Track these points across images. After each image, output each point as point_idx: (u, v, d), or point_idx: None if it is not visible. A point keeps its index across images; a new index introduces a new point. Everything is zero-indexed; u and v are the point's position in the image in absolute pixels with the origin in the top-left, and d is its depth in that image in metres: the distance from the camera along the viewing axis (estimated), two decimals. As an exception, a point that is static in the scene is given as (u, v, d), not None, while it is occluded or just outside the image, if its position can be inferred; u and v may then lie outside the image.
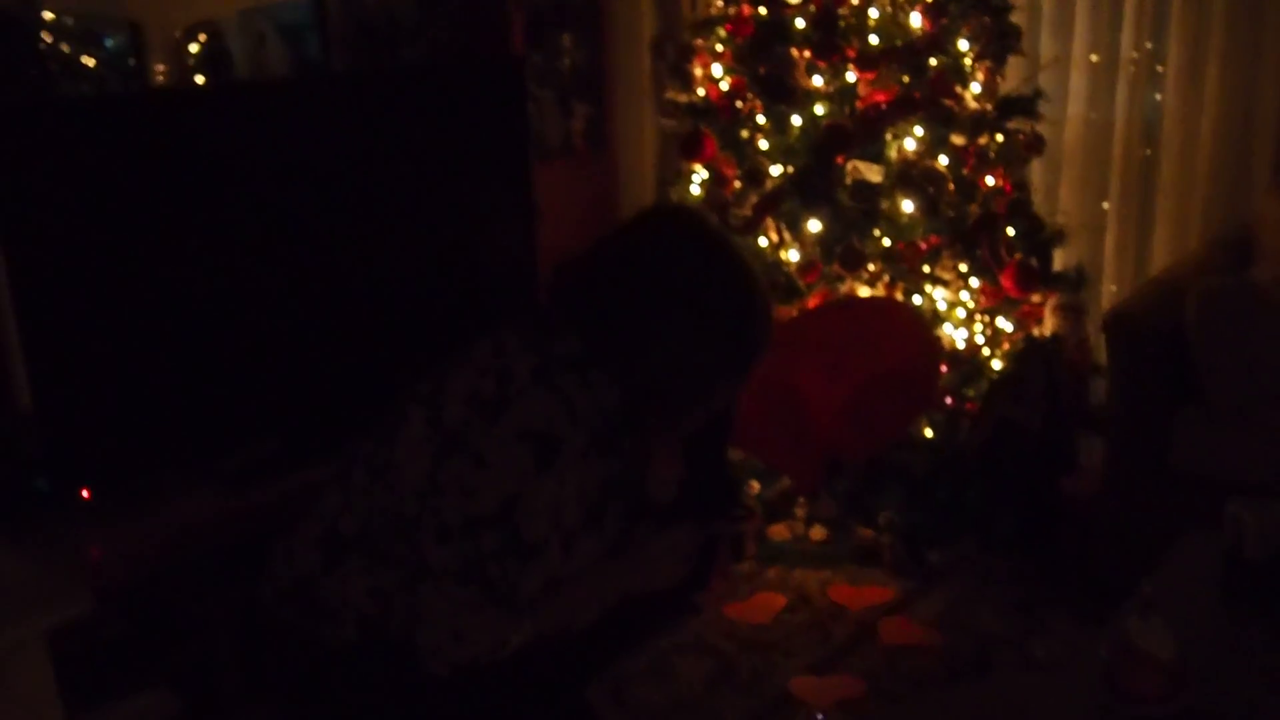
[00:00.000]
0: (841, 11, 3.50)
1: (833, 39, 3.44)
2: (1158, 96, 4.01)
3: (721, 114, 3.66)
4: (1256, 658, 2.20)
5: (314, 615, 1.98)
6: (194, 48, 3.26)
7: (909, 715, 2.90)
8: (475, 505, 1.84)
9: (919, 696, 2.98)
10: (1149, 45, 3.98)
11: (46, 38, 3.01)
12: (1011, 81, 3.83)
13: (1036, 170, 4.12)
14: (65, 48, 3.03)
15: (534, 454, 1.83)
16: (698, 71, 3.78)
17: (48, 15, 2.98)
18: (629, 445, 2.00)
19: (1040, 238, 3.69)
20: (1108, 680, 2.10)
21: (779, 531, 3.62)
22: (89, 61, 3.11)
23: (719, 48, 3.71)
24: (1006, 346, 3.60)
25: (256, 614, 2.09)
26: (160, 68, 3.20)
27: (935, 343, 3.32)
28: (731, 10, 3.69)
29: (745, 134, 3.61)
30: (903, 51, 3.42)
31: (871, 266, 3.44)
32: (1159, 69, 3.99)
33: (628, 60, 4.25)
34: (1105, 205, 4.13)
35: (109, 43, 3.13)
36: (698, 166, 3.75)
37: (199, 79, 3.25)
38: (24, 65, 2.97)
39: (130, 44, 3.14)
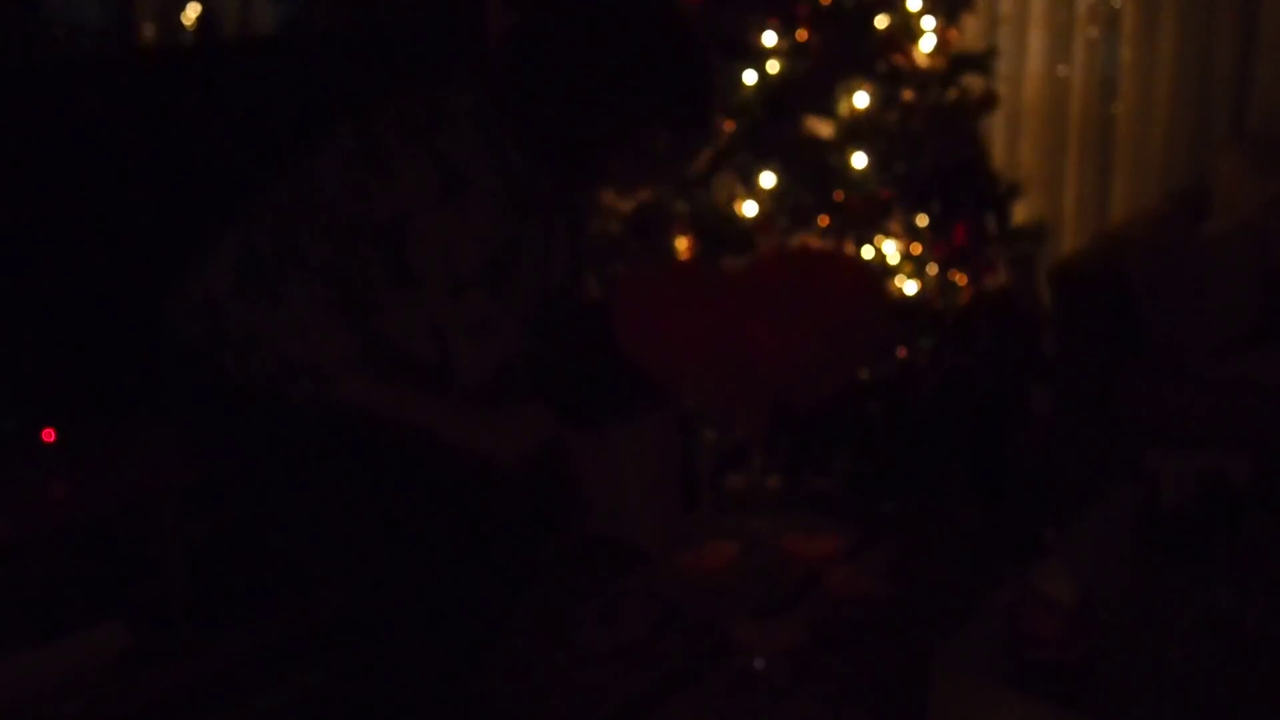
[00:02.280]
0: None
1: (784, -4, 3.46)
2: (1119, 52, 4.02)
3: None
4: (1164, 605, 2.25)
5: (219, 341, 1.94)
6: (188, 10, 3.32)
7: (846, 662, 2.98)
8: (366, 211, 1.81)
9: (858, 644, 3.04)
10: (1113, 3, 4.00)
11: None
12: (969, 38, 3.84)
13: (998, 126, 4.14)
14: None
15: (441, 181, 1.78)
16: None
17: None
18: (546, 210, 1.96)
19: (996, 193, 3.72)
20: (1011, 624, 2.16)
21: (735, 481, 3.67)
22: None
23: (678, 6, 3.71)
24: (964, 300, 3.64)
25: (161, 330, 2.02)
26: (150, 30, 3.25)
27: (883, 293, 3.35)
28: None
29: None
30: (852, 10, 3.44)
31: (823, 220, 3.47)
32: (1117, 25, 4.00)
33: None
34: (1065, 160, 4.16)
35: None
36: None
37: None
38: (26, 28, 3.02)
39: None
